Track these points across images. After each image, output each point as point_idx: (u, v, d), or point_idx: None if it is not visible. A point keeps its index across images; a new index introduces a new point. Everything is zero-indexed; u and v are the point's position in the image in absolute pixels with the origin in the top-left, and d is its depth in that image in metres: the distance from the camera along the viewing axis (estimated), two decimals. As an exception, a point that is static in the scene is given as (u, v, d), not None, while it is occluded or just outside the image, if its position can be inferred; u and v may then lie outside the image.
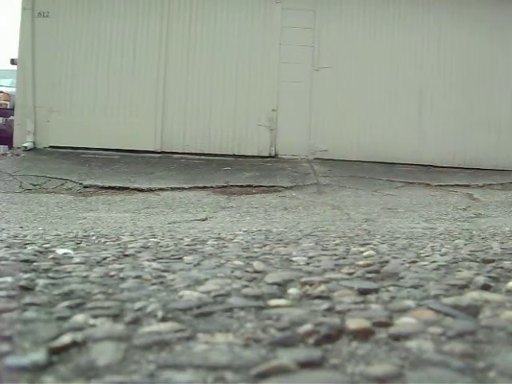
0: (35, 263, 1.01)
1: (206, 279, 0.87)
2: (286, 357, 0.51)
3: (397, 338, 0.57)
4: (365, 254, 1.19)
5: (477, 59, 7.33)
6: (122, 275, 0.91)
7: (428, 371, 0.48)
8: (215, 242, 1.42)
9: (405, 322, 0.63)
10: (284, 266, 1.03)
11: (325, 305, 0.70)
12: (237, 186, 5.24)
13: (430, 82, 7.28)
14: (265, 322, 0.63)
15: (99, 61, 7.08)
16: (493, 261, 1.06)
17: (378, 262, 1.06)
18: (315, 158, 6.96)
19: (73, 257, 1.11)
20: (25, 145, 6.91)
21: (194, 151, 7.00)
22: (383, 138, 7.17)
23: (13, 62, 8.17)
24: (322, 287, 0.80)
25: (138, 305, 0.70)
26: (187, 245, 1.36)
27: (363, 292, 0.79)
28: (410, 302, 0.72)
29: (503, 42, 7.37)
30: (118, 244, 1.37)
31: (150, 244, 1.37)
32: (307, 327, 0.60)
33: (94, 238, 1.54)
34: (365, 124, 7.14)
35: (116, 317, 0.65)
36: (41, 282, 0.83)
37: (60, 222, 2.65)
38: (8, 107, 8.33)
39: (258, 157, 6.95)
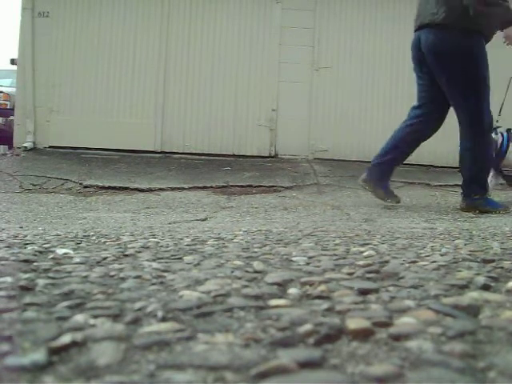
0: (35, 263, 1.01)
1: (206, 279, 0.87)
2: (285, 357, 0.51)
3: (397, 338, 0.57)
4: (365, 254, 1.19)
5: (477, 59, 7.32)
6: (122, 275, 0.91)
7: (428, 371, 0.48)
8: (215, 242, 1.42)
9: (405, 322, 0.63)
10: (284, 265, 1.03)
11: (325, 305, 0.70)
12: (237, 186, 5.24)
13: (430, 82, 7.27)
14: (265, 321, 0.63)
15: (99, 61, 7.08)
16: (493, 261, 1.06)
17: (378, 261, 1.06)
18: (315, 158, 6.96)
19: (73, 257, 1.11)
20: (25, 145, 6.91)
21: (194, 151, 7.01)
22: (383, 138, 7.16)
23: (13, 61, 8.17)
24: (322, 287, 0.80)
25: (138, 305, 0.70)
26: (187, 245, 1.36)
27: (363, 292, 0.78)
28: (410, 302, 0.72)
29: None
30: (118, 244, 1.37)
31: (150, 244, 1.37)
32: (307, 327, 0.60)
33: (94, 237, 1.54)
34: (365, 124, 7.15)
35: (116, 317, 0.65)
36: (41, 281, 0.83)
37: (60, 222, 2.65)
38: (8, 107, 8.34)
39: (257, 157, 6.95)
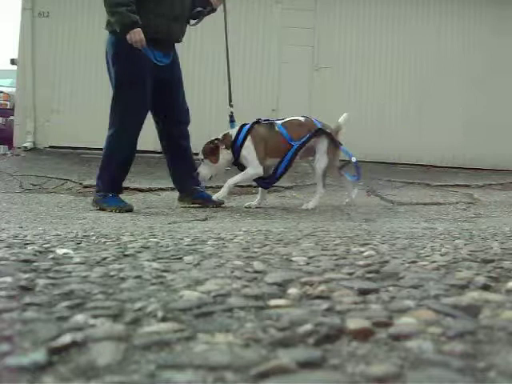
0: (35, 263, 1.01)
1: (206, 279, 0.87)
2: (286, 357, 0.51)
3: (397, 337, 0.57)
4: (365, 254, 1.19)
5: (477, 59, 7.33)
6: (122, 275, 0.91)
7: (428, 371, 0.48)
8: (215, 242, 1.42)
9: (405, 322, 0.63)
10: (284, 265, 1.03)
11: (325, 305, 0.70)
12: (237, 185, 5.22)
13: (430, 82, 7.28)
14: (265, 321, 0.63)
15: (99, 61, 7.07)
16: (493, 261, 1.06)
17: (378, 261, 1.06)
18: (315, 158, 6.95)
19: (73, 257, 1.11)
20: (25, 145, 6.91)
21: (194, 151, 6.99)
22: (383, 138, 7.17)
23: (13, 62, 8.18)
24: (322, 287, 0.80)
25: (138, 305, 0.70)
26: (187, 245, 1.36)
27: (363, 292, 0.78)
28: (409, 302, 0.72)
29: (504, 42, 7.37)
30: (118, 244, 1.37)
31: (150, 244, 1.37)
32: (307, 327, 0.60)
33: (94, 237, 1.54)
34: (365, 124, 7.14)
35: (116, 317, 0.65)
36: (41, 282, 0.83)
37: (60, 222, 2.65)
38: (8, 107, 8.34)
39: (257, 157, 6.93)
